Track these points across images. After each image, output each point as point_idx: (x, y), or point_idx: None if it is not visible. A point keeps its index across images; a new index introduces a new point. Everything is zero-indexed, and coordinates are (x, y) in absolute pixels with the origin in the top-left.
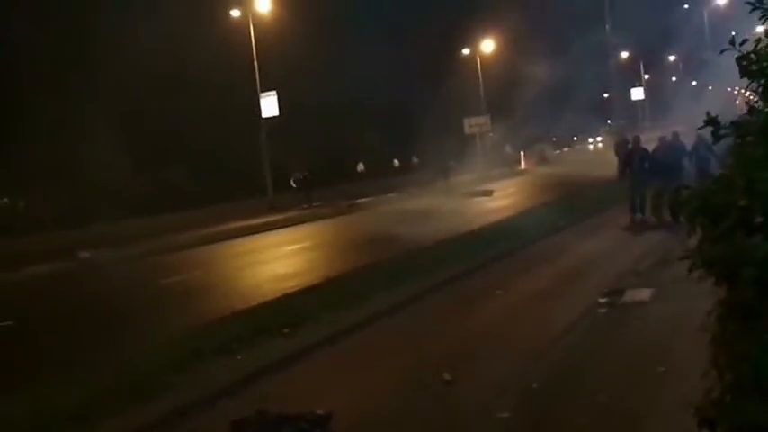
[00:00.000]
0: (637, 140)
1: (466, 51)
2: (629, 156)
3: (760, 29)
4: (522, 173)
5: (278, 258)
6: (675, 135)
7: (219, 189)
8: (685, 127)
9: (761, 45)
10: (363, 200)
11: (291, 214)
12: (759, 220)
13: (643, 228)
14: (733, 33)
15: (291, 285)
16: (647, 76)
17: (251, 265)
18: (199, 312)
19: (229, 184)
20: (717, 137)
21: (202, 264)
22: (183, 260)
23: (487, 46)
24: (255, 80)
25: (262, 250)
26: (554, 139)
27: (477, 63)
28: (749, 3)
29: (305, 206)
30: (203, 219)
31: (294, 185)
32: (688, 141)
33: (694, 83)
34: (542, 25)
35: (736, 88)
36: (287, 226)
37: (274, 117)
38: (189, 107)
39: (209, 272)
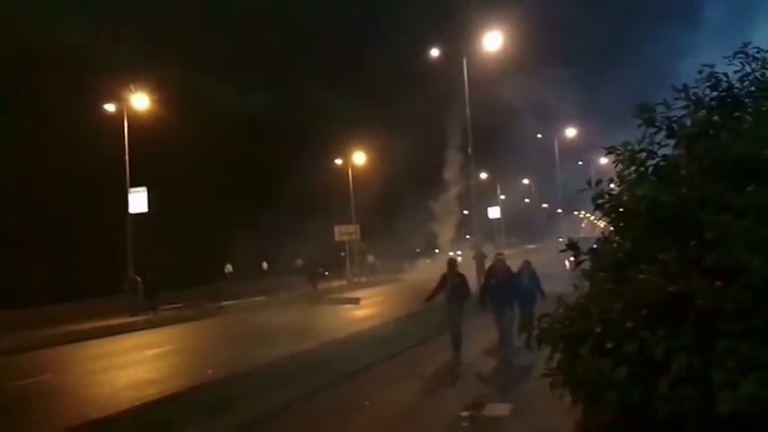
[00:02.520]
0: (501, 261)
1: (338, 161)
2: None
3: (604, 160)
4: (392, 281)
5: (138, 363)
6: (501, 260)
7: (81, 285)
8: (538, 246)
9: (608, 188)
10: (231, 302)
11: (155, 315)
12: (609, 345)
13: (505, 343)
14: (579, 163)
15: (151, 393)
16: (503, 197)
17: (108, 368)
18: (48, 419)
19: (93, 280)
20: (578, 263)
21: (56, 365)
22: (36, 361)
23: (359, 158)
24: (126, 175)
25: (121, 353)
26: (417, 250)
27: (349, 173)
28: (607, 148)
29: (150, 312)
30: (61, 315)
31: (127, 288)
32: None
33: (545, 205)
34: (411, 141)
35: (582, 212)
36: (149, 327)
37: (144, 213)
38: (57, 197)
39: (64, 375)
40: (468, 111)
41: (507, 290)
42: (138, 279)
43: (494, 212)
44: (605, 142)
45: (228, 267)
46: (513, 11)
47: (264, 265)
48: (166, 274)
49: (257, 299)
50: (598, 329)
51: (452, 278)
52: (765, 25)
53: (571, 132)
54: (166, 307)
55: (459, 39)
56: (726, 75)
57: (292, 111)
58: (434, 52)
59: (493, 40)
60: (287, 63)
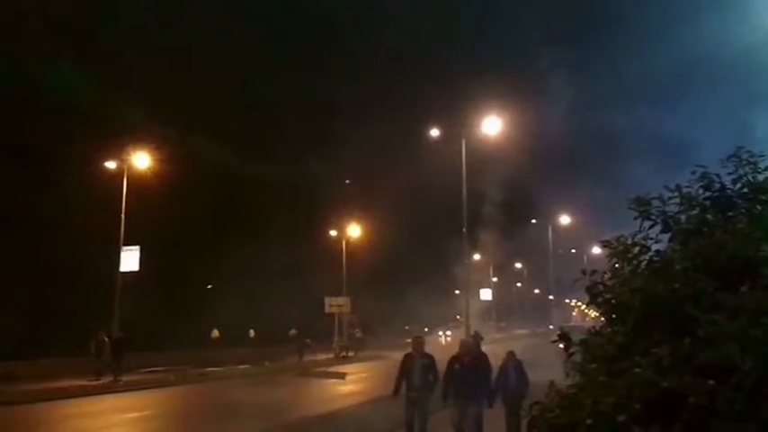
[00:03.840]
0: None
1: (333, 233)
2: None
3: (597, 250)
4: (379, 357)
5: (111, 426)
6: (468, 342)
7: (62, 342)
8: (529, 332)
9: (606, 278)
10: (214, 369)
11: (136, 377)
12: None
13: None
14: (573, 251)
15: None
16: (495, 279)
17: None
18: None
19: (78, 337)
20: (569, 353)
21: (26, 427)
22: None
23: (354, 231)
24: (120, 232)
25: (96, 415)
26: (407, 327)
27: (343, 245)
28: (602, 241)
29: (116, 376)
30: (37, 372)
31: (93, 350)
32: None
33: (537, 291)
34: (406, 219)
35: (573, 300)
36: (129, 390)
37: (132, 272)
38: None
39: None
40: (464, 191)
41: (475, 378)
42: (106, 339)
43: (485, 294)
44: (599, 232)
45: (215, 333)
46: (514, 99)
47: (251, 332)
48: (150, 335)
49: (241, 367)
50: (589, 421)
51: (420, 359)
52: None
53: (565, 220)
54: (148, 370)
55: (459, 121)
56: (718, 175)
57: (289, 178)
58: (434, 132)
59: (491, 125)
60: (287, 132)
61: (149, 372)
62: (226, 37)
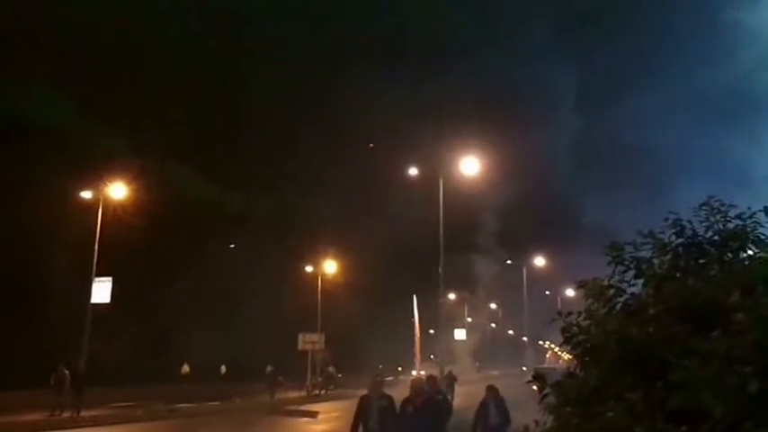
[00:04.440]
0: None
1: (309, 268)
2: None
3: (570, 293)
4: (352, 396)
5: None
6: (419, 380)
7: (27, 374)
8: (502, 372)
9: (581, 319)
10: (184, 405)
11: (103, 412)
12: None
13: None
14: (546, 293)
15: None
16: (469, 319)
17: None
18: None
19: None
20: (542, 395)
21: None
22: None
23: (330, 267)
24: (93, 263)
25: None
26: (380, 366)
27: (318, 281)
28: (578, 282)
29: (77, 411)
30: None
31: (53, 383)
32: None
33: (511, 332)
34: (383, 256)
35: (548, 342)
36: (95, 425)
37: (106, 305)
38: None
39: None
40: (441, 230)
41: (428, 422)
42: (67, 372)
43: (459, 334)
44: (573, 276)
45: (185, 368)
46: (492, 139)
47: (223, 368)
48: (119, 369)
49: (211, 404)
50: None
51: (378, 400)
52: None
53: (540, 262)
54: (116, 405)
55: (436, 160)
56: (690, 222)
57: (267, 211)
58: (412, 171)
59: (470, 165)
60: (265, 164)
61: (117, 407)
62: (208, 64)
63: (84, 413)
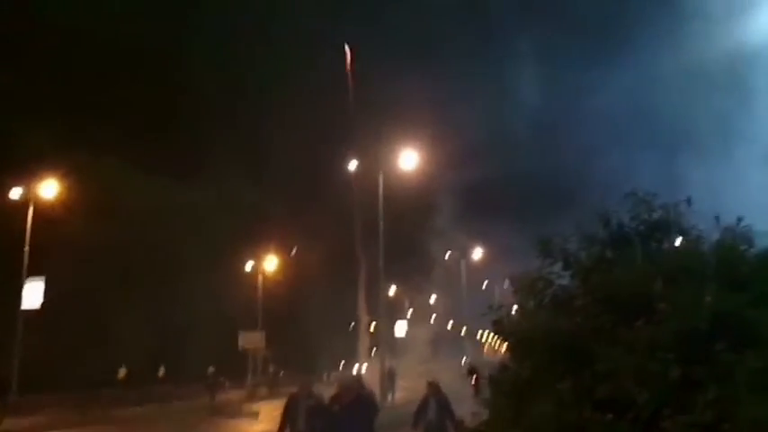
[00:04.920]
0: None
1: (249, 267)
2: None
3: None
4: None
5: None
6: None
7: None
8: (443, 366)
9: (508, 314)
10: (121, 409)
11: (37, 418)
12: None
13: None
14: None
15: None
16: (411, 310)
17: None
18: None
19: None
20: (478, 387)
21: None
22: None
23: (271, 263)
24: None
25: None
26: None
27: (258, 278)
28: (510, 276)
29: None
30: None
31: None
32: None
33: (450, 326)
34: (324, 251)
35: (485, 334)
36: None
37: (39, 307)
38: None
39: None
40: (381, 224)
41: (355, 421)
42: None
43: (400, 328)
44: (511, 268)
45: (122, 371)
46: (433, 130)
47: (161, 370)
48: (53, 374)
49: (149, 406)
50: None
51: (306, 400)
52: None
53: (478, 254)
54: (48, 411)
55: (376, 154)
56: (617, 212)
57: (207, 206)
58: (352, 165)
59: (409, 158)
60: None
61: (49, 414)
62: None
63: (10, 421)
